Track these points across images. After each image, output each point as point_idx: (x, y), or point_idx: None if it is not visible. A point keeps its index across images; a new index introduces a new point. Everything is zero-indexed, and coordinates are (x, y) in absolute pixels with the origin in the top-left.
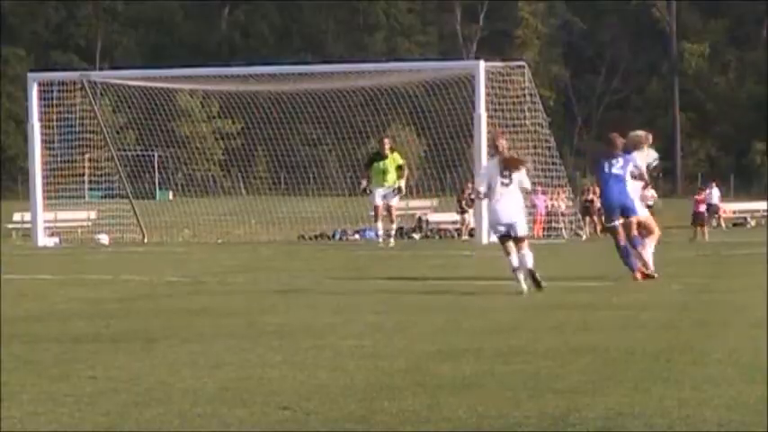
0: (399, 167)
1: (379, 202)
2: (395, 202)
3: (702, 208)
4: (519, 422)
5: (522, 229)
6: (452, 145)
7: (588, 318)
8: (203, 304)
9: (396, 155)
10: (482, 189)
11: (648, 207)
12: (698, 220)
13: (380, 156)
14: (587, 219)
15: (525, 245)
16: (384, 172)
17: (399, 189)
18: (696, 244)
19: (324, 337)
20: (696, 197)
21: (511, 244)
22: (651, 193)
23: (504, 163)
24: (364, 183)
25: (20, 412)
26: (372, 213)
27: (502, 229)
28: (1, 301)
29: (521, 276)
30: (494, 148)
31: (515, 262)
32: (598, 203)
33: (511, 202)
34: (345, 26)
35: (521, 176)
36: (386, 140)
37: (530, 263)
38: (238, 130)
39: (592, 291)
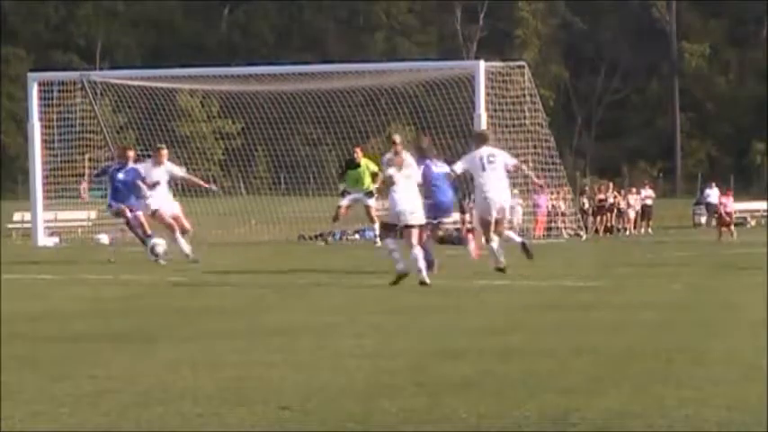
0: (374, 174)
1: (344, 203)
2: (372, 202)
3: (730, 208)
4: (519, 422)
5: (420, 218)
6: (452, 145)
7: (588, 318)
8: (203, 304)
9: (369, 162)
10: (393, 173)
11: (648, 207)
12: (725, 219)
13: (354, 163)
14: (599, 218)
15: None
16: (358, 179)
17: (371, 193)
18: (696, 244)
19: (324, 337)
20: (723, 197)
21: (413, 232)
22: (649, 192)
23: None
24: (342, 186)
25: (20, 412)
26: (335, 213)
27: (406, 218)
28: (1, 301)
29: (398, 258)
30: (391, 143)
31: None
32: (609, 202)
33: (410, 191)
34: (345, 26)
35: (412, 170)
36: (358, 149)
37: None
38: (238, 130)
39: (592, 291)
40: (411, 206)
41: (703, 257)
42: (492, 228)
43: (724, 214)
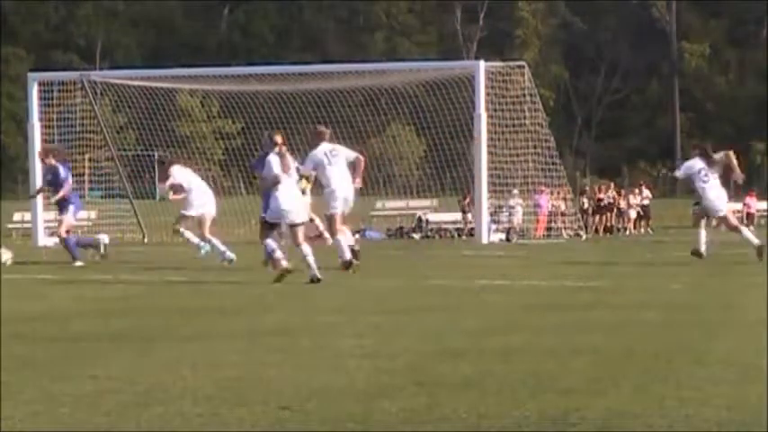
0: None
1: None
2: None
3: (753, 208)
4: (519, 422)
5: (301, 216)
6: (452, 145)
7: (588, 318)
8: (203, 304)
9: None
10: (279, 173)
11: (645, 207)
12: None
13: None
14: (597, 218)
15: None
16: None
17: (302, 191)
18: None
19: (323, 337)
20: (747, 197)
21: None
22: (646, 192)
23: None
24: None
25: (20, 412)
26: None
27: (285, 216)
28: (1, 301)
29: (280, 257)
30: (273, 144)
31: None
32: (606, 202)
33: (293, 190)
34: (345, 26)
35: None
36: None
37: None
38: (238, 130)
39: (592, 291)
40: (294, 205)
41: (703, 257)
42: (338, 222)
43: (746, 214)
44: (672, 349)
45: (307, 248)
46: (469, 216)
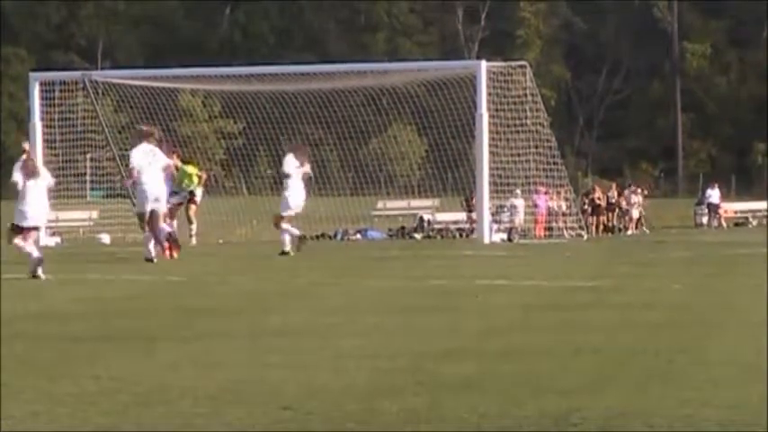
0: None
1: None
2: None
3: None
4: (519, 422)
5: (40, 221)
6: (454, 145)
7: (588, 318)
8: (203, 304)
9: (190, 167)
10: (19, 180)
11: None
12: None
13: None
14: (593, 218)
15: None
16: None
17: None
18: (697, 244)
19: (324, 337)
20: None
21: (33, 234)
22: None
23: (24, 166)
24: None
25: (20, 412)
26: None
27: (29, 220)
28: (1, 301)
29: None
30: (22, 151)
31: (36, 253)
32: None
33: (40, 196)
34: (347, 26)
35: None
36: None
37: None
38: (240, 130)
39: (592, 291)
40: (35, 209)
41: (704, 257)
42: (147, 219)
43: None
44: (672, 349)
45: (36, 252)
46: (475, 215)
